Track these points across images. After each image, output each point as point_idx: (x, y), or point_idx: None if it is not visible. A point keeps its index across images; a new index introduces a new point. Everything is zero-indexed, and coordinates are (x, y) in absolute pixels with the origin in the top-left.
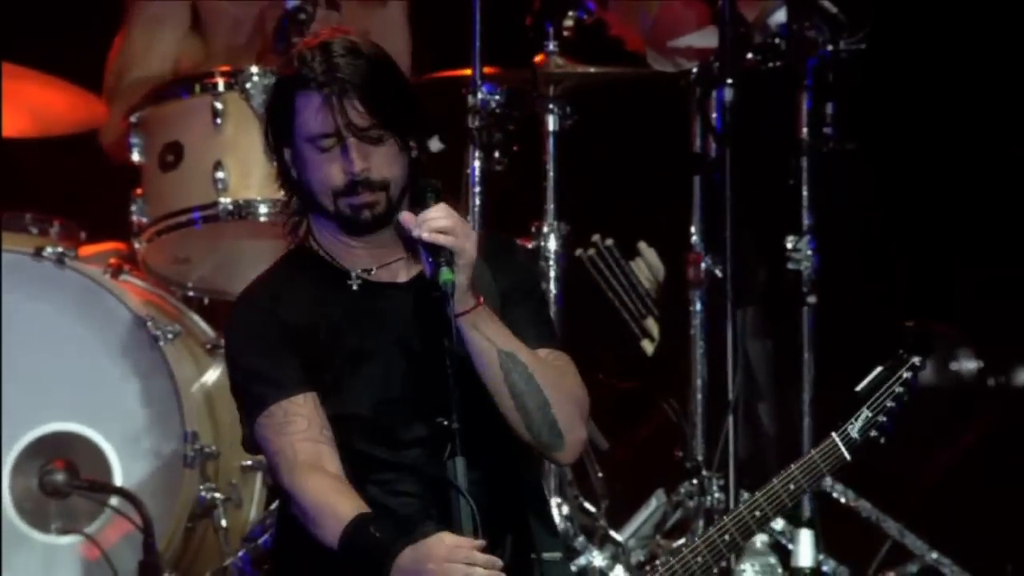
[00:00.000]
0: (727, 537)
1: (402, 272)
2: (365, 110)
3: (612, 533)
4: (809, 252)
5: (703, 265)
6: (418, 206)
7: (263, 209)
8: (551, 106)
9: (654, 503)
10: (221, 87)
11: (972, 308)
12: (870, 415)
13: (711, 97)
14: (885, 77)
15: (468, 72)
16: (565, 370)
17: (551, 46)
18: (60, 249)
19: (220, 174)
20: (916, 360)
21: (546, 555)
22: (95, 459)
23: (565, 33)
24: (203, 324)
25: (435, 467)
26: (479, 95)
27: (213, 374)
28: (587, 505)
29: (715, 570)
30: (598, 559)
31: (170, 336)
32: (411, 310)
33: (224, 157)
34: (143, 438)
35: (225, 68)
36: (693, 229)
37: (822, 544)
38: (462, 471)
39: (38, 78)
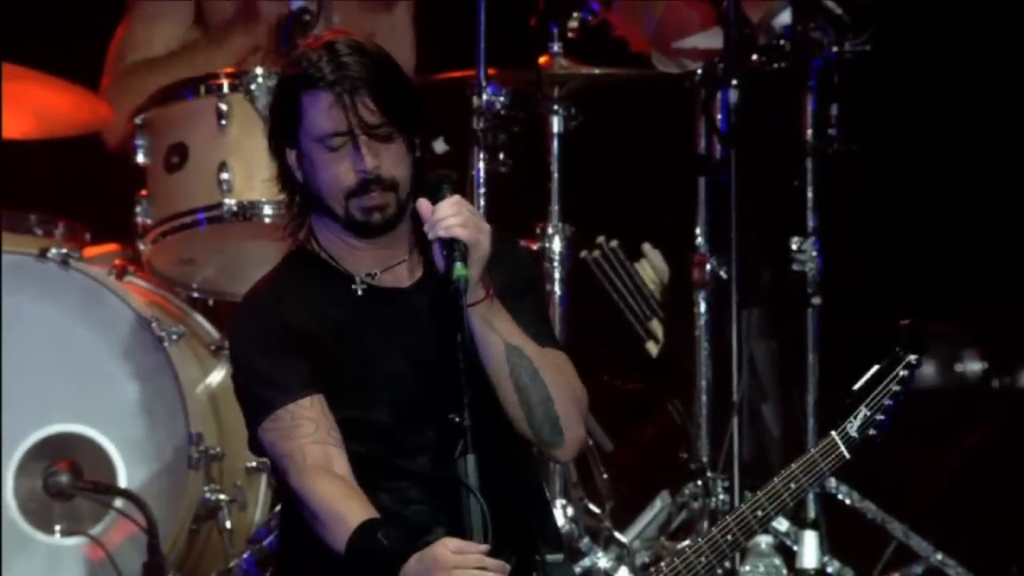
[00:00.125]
0: (729, 537)
1: (406, 276)
2: (376, 108)
3: (617, 534)
4: (814, 253)
5: (708, 266)
6: (434, 196)
7: (268, 210)
8: (555, 107)
9: (659, 504)
10: (226, 89)
11: (977, 309)
12: (868, 413)
13: (716, 98)
14: (890, 78)
15: (472, 73)
16: (565, 368)
17: (555, 47)
18: (64, 250)
19: (225, 175)
20: (912, 358)
21: (549, 557)
22: (99, 460)
23: (569, 34)
24: (207, 325)
25: (442, 473)
26: (484, 96)
27: (217, 375)
28: (592, 506)
29: (719, 570)
30: (603, 560)
31: (174, 337)
32: (416, 315)
33: (229, 158)
34: (147, 439)
35: (230, 70)
36: (698, 230)
37: (827, 545)
38: (473, 469)
39: (42, 79)
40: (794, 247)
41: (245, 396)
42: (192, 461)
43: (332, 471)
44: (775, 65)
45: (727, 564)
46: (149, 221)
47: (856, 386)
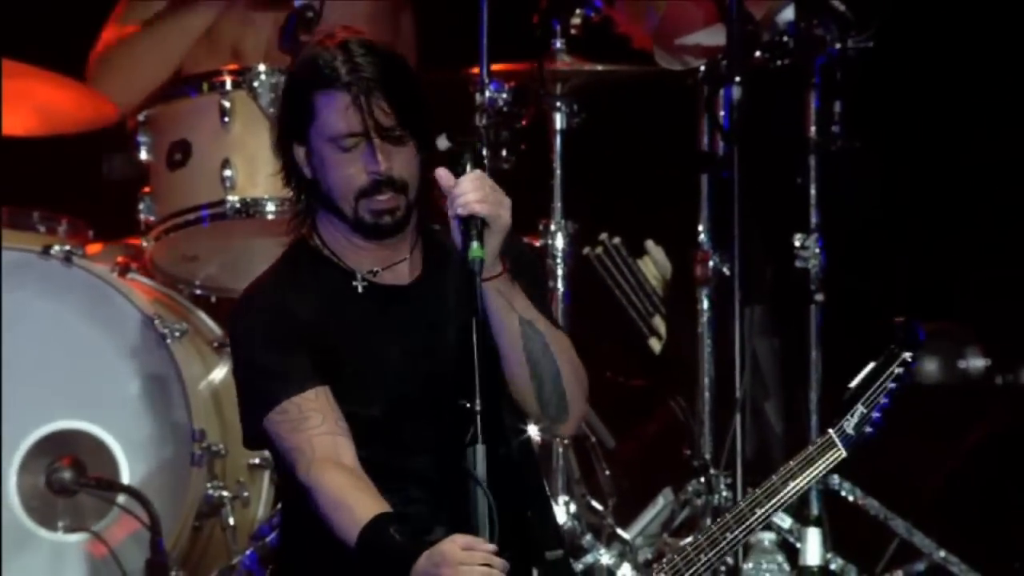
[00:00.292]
0: (729, 534)
1: (406, 273)
2: (391, 110)
3: (619, 531)
4: (817, 250)
5: (711, 263)
6: (455, 169)
7: (270, 207)
8: (558, 104)
9: (661, 501)
10: (229, 86)
11: (980, 305)
12: (865, 411)
13: (719, 95)
14: (893, 76)
15: (475, 70)
16: (570, 346)
17: (558, 44)
18: (67, 247)
19: (228, 172)
20: (907, 355)
21: (549, 554)
22: (102, 457)
23: (572, 31)
24: (211, 322)
25: (443, 472)
26: (486, 93)
27: (221, 372)
28: (594, 503)
29: (721, 568)
30: (605, 557)
31: (177, 334)
32: (416, 312)
33: (232, 155)
34: (150, 436)
35: (233, 67)
36: (701, 227)
37: (830, 542)
38: (482, 459)
39: (45, 76)
40: (797, 244)
41: (247, 390)
42: (195, 458)
43: (341, 463)
44: (778, 62)
45: (729, 561)
46: (152, 218)
47: (852, 384)
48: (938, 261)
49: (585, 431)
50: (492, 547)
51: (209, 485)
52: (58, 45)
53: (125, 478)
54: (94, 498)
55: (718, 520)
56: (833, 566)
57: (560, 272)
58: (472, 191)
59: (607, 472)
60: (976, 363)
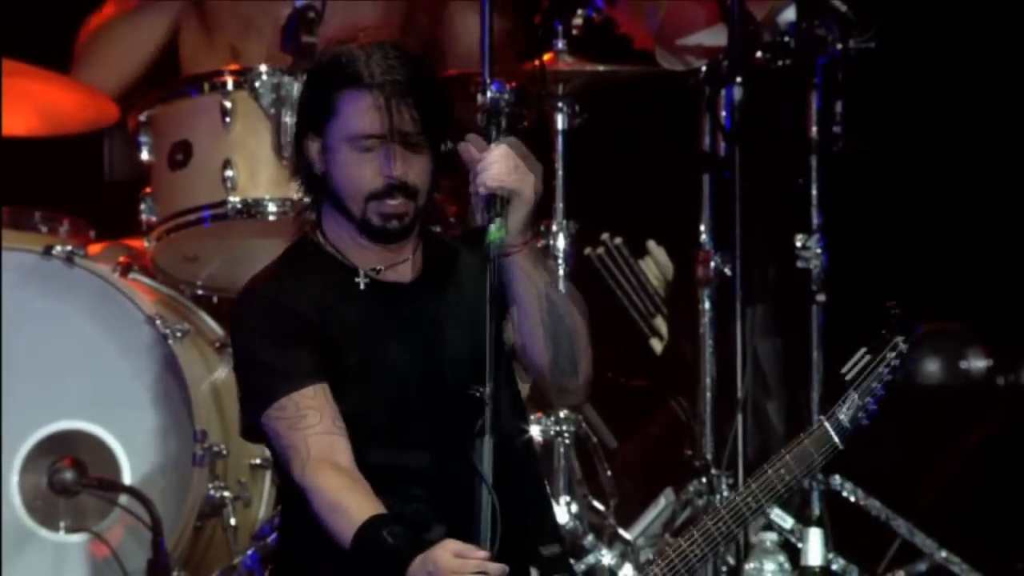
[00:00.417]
0: (722, 527)
1: (409, 272)
2: (417, 116)
3: (621, 531)
4: (818, 250)
5: (712, 263)
6: (482, 138)
7: (272, 208)
8: (560, 104)
9: (663, 501)
10: (230, 86)
11: (982, 306)
12: (858, 399)
13: (720, 95)
14: (894, 76)
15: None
16: (583, 311)
17: (560, 44)
18: (69, 248)
19: (229, 173)
20: (900, 341)
21: (546, 550)
22: (104, 457)
23: (574, 31)
24: (212, 323)
25: (444, 470)
26: (488, 93)
27: (222, 372)
28: (596, 503)
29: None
30: (607, 557)
31: (179, 334)
32: (418, 311)
33: (233, 156)
34: (152, 437)
35: (234, 67)
36: (702, 227)
37: (831, 543)
38: (489, 452)
39: (46, 76)
40: (799, 244)
41: (246, 385)
42: (197, 458)
43: (337, 463)
44: (779, 62)
45: (731, 560)
46: (154, 218)
47: (844, 371)
48: (939, 261)
49: (587, 431)
50: (484, 554)
51: (211, 485)
52: (58, 45)
53: (127, 478)
54: (96, 498)
55: (711, 513)
56: (835, 566)
57: (561, 272)
58: (495, 165)
59: (609, 472)
60: (977, 363)
